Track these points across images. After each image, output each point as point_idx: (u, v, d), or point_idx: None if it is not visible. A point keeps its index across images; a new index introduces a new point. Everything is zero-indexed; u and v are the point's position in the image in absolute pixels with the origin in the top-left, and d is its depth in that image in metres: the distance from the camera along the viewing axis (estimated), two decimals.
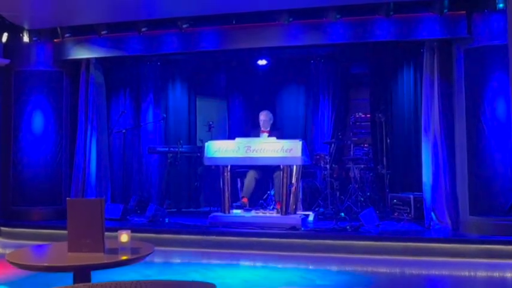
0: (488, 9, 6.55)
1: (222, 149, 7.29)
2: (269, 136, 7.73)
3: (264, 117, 8.01)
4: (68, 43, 8.21)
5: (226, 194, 7.34)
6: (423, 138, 7.24)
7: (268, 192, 7.81)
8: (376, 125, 8.50)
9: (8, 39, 7.90)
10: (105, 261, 3.25)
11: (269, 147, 7.11)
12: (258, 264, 6.21)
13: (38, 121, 8.23)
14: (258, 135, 7.89)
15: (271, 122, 8.07)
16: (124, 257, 3.37)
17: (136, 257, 3.37)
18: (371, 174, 8.59)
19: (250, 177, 7.75)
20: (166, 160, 9.15)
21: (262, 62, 9.65)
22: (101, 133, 8.54)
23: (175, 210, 9.21)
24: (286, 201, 7.07)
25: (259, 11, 7.30)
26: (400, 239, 6.51)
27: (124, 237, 3.50)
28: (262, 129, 8.01)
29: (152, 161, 9.51)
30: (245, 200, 7.57)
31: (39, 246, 4.35)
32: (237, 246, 6.72)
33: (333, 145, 8.68)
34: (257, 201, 7.79)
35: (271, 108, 8.96)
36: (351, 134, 9.80)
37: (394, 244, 6.41)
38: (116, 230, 3.55)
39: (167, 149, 8.97)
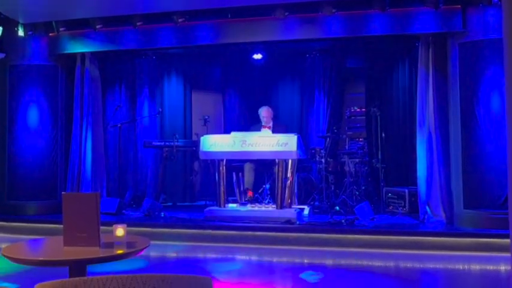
0: (483, 3, 6.56)
1: (217, 143, 7.29)
2: (273, 132, 7.72)
3: (265, 113, 8.06)
4: (63, 37, 8.18)
5: (222, 188, 7.35)
6: (418, 132, 7.26)
7: (264, 186, 7.83)
8: (371, 119, 8.51)
9: (2, 33, 7.87)
10: (101, 255, 3.25)
11: (264, 142, 7.11)
12: (253, 258, 6.23)
13: (33, 115, 8.21)
14: (259, 131, 7.88)
15: (272, 116, 8.14)
16: (120, 251, 3.37)
17: (132, 251, 3.38)
18: (366, 168, 8.61)
19: (248, 169, 7.78)
20: (161, 154, 9.14)
21: (257, 56, 9.64)
22: (96, 127, 8.53)
23: (171, 204, 9.23)
24: (281, 195, 7.10)
25: (254, 5, 7.30)
26: (395, 232, 6.54)
27: (120, 231, 3.50)
28: (263, 124, 8.03)
29: (148, 155, 9.51)
30: (250, 193, 7.55)
31: (35, 240, 4.35)
32: (232, 240, 6.74)
33: (328, 139, 8.69)
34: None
35: (266, 102, 8.98)
36: (346, 128, 9.81)
37: (389, 238, 6.44)
38: (112, 224, 3.55)
39: (163, 143, 8.97)
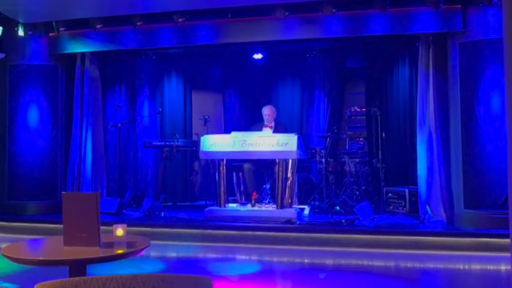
0: (483, 3, 6.55)
1: (217, 143, 7.29)
2: (274, 132, 7.71)
3: (268, 111, 8.08)
4: (63, 37, 8.18)
5: (222, 188, 7.35)
6: (418, 132, 7.25)
7: (264, 186, 7.83)
8: (372, 118, 8.51)
9: (2, 33, 7.86)
10: (101, 255, 3.25)
11: (265, 142, 7.11)
12: (254, 257, 6.22)
13: (33, 115, 8.21)
14: (260, 130, 7.87)
15: (275, 116, 8.13)
16: (120, 251, 3.37)
17: (132, 251, 3.38)
18: (366, 168, 8.60)
19: (248, 170, 7.77)
20: (162, 154, 9.14)
21: (257, 56, 9.64)
22: (96, 127, 8.52)
23: (171, 204, 9.22)
24: (281, 195, 7.09)
25: (254, 5, 7.30)
26: (395, 232, 6.54)
27: (120, 231, 3.50)
28: (266, 123, 8.02)
29: (148, 155, 9.50)
30: (255, 195, 7.52)
31: (35, 240, 4.35)
32: (232, 240, 6.73)
33: (328, 139, 8.68)
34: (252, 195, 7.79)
35: (266, 102, 8.98)
36: (346, 128, 9.80)
37: (389, 237, 6.44)
38: (112, 224, 3.55)
39: (163, 143, 8.96)
